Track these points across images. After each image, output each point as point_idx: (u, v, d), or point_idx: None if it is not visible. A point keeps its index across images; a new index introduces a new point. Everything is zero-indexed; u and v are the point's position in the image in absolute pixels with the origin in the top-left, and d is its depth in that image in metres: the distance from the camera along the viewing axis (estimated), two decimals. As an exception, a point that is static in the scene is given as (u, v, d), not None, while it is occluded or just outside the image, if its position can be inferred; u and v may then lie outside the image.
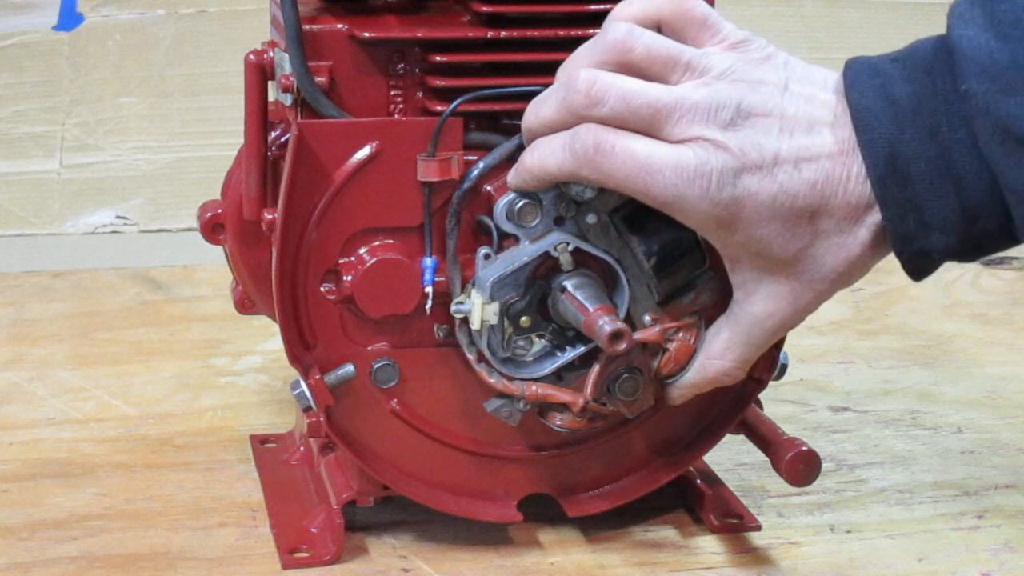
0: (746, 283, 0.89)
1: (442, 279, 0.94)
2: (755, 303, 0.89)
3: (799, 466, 0.97)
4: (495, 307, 0.92)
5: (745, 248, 0.87)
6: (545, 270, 0.93)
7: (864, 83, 0.84)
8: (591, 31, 0.93)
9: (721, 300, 0.95)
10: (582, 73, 0.87)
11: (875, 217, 0.85)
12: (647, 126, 0.86)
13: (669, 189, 0.85)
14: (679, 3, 0.88)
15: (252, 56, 0.95)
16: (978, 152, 0.82)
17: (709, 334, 0.93)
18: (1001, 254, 1.54)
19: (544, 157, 0.88)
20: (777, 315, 0.89)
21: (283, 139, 0.97)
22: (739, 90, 0.85)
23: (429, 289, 0.94)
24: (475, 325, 0.92)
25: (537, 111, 0.89)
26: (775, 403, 1.15)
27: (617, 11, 0.89)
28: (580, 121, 0.87)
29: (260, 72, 0.95)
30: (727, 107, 0.85)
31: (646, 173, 0.85)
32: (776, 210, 0.85)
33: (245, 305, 1.07)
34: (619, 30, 0.87)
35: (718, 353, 0.92)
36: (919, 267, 0.87)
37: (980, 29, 0.81)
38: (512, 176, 0.91)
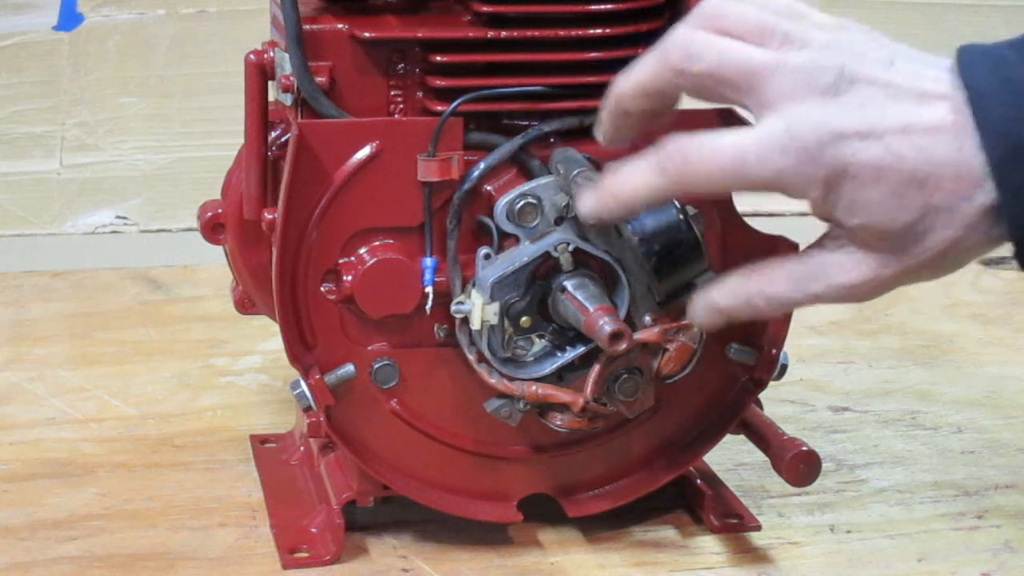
0: (841, 242, 0.83)
1: (442, 279, 0.94)
2: (837, 260, 0.83)
3: (799, 466, 0.97)
4: (495, 307, 0.92)
5: (850, 215, 0.81)
6: (545, 270, 0.93)
7: (978, 64, 0.79)
8: (591, 31, 0.93)
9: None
10: (680, 30, 0.83)
11: (984, 198, 0.79)
12: (744, 86, 0.81)
13: (766, 170, 0.80)
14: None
15: (252, 56, 0.95)
16: None
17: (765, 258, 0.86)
18: (1001, 254, 1.54)
19: (632, 179, 0.84)
20: (852, 279, 0.83)
21: (283, 139, 0.97)
22: (843, 57, 0.80)
23: (429, 289, 0.94)
24: (475, 325, 0.92)
25: (628, 74, 0.85)
26: (775, 403, 1.15)
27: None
28: (676, 77, 0.83)
29: (260, 72, 0.95)
30: (829, 70, 0.80)
31: (740, 164, 0.81)
32: (883, 173, 0.79)
33: (245, 305, 1.07)
34: (711, 1, 0.83)
35: (767, 278, 0.85)
36: None
37: None
38: (591, 203, 0.86)
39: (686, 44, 0.83)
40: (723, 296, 0.86)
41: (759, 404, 1.03)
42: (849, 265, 0.82)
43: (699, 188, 0.83)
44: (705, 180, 0.82)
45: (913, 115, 0.79)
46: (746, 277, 0.86)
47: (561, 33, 0.94)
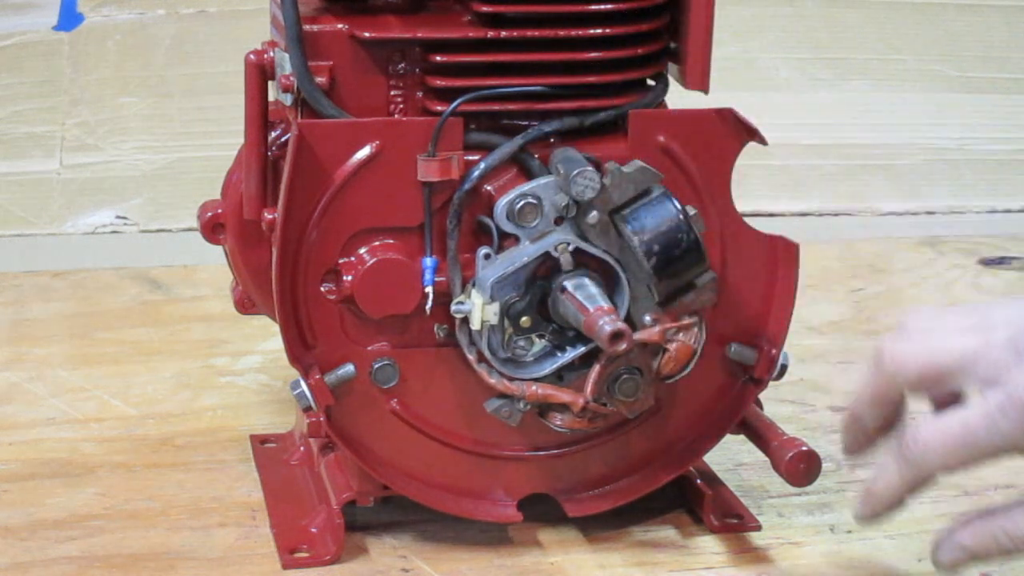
0: None
1: (442, 279, 0.94)
2: None
3: (799, 466, 0.97)
4: (495, 307, 0.92)
5: None
6: (545, 270, 0.94)
7: None
8: (591, 31, 0.93)
9: (721, 300, 0.95)
10: (886, 340, 0.88)
11: None
12: (960, 374, 0.87)
13: (995, 436, 0.85)
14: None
15: (252, 56, 0.95)
16: None
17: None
18: (1000, 254, 1.55)
19: (887, 479, 0.89)
20: None
21: (283, 139, 0.97)
22: None
23: (429, 289, 0.94)
24: (475, 325, 0.92)
25: (857, 394, 0.91)
26: (775, 403, 1.15)
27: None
28: (896, 381, 0.88)
29: (260, 72, 0.95)
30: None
31: (971, 436, 0.86)
32: None
33: (245, 305, 1.07)
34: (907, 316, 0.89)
35: (1012, 521, 0.89)
36: None
37: None
38: (865, 512, 0.91)
39: (894, 350, 0.88)
40: (969, 536, 0.89)
41: (759, 404, 1.03)
42: None
43: (941, 466, 0.87)
44: (943, 457, 0.86)
45: None
46: (990, 518, 0.89)
47: (561, 33, 0.94)
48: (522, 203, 0.92)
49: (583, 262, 0.94)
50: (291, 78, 0.93)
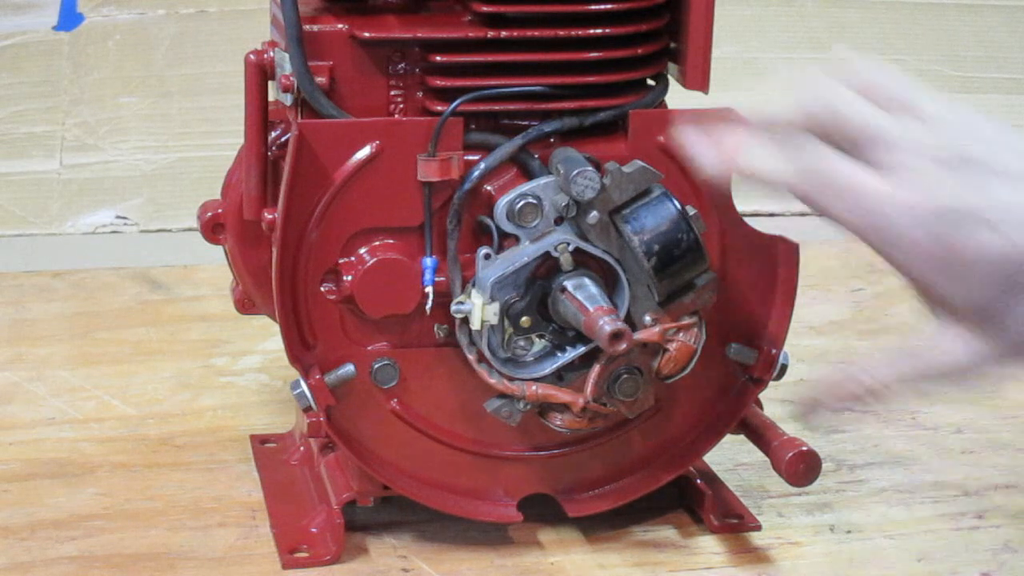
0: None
1: (442, 279, 0.94)
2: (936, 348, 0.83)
3: (799, 466, 0.97)
4: (495, 307, 0.92)
5: (955, 297, 0.80)
6: (545, 270, 0.94)
7: None
8: (591, 31, 0.93)
9: (721, 300, 0.95)
10: (817, 77, 0.81)
11: None
12: (866, 144, 0.79)
13: (894, 227, 0.78)
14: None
15: (252, 56, 0.95)
16: None
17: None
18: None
19: (768, 162, 0.82)
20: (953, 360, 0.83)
21: (283, 139, 0.97)
22: (964, 139, 0.78)
23: (429, 289, 0.94)
24: (475, 325, 0.92)
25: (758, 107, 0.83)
26: (775, 403, 1.15)
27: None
28: (810, 113, 0.80)
29: (260, 72, 0.95)
30: (950, 149, 0.77)
31: (878, 206, 0.78)
32: (1002, 266, 0.76)
33: (245, 305, 1.07)
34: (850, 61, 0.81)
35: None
36: None
37: None
38: (712, 161, 0.83)
39: (817, 85, 0.80)
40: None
41: (759, 404, 1.03)
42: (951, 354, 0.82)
43: (826, 210, 0.80)
44: (833, 205, 0.79)
45: None
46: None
47: (561, 33, 0.94)
48: (522, 203, 0.92)
49: (583, 262, 0.94)
50: (291, 78, 0.93)
